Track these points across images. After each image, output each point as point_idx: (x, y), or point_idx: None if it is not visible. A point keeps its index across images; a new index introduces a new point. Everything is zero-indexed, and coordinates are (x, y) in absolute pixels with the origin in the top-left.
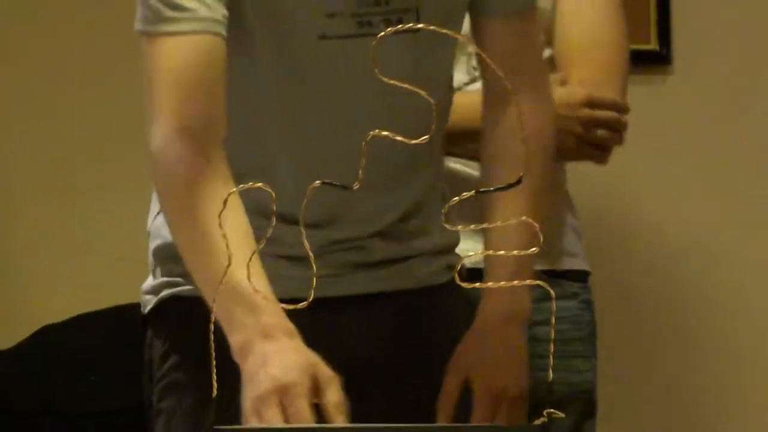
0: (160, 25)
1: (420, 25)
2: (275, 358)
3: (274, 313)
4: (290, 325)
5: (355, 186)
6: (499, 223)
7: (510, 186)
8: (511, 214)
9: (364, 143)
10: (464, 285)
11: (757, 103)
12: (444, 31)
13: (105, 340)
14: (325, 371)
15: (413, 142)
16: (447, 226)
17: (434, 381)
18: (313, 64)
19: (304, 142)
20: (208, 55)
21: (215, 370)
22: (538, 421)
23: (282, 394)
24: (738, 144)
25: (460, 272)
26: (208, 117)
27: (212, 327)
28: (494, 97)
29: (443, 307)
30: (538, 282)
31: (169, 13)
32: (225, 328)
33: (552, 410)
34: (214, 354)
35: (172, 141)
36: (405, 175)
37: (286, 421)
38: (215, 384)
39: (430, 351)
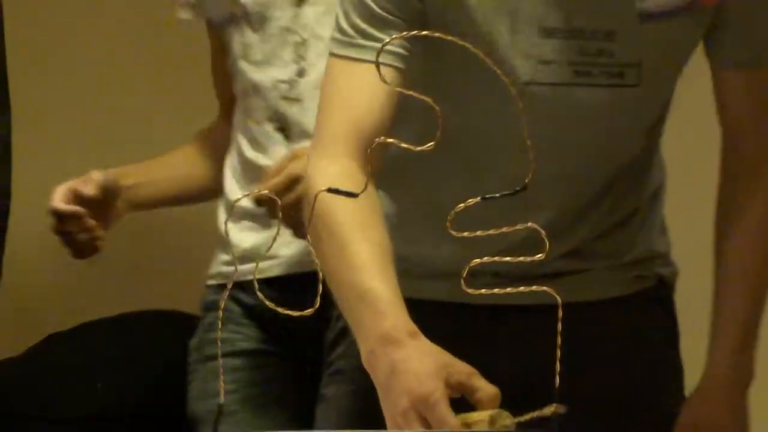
0: (348, 49)
1: (425, 32)
2: (404, 368)
3: (395, 317)
4: (412, 326)
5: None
6: (504, 229)
7: (516, 192)
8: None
9: (369, 150)
10: (470, 291)
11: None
12: (449, 38)
13: (115, 346)
14: (461, 367)
15: (418, 149)
16: (453, 233)
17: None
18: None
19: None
20: (388, 87)
21: None
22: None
23: (420, 405)
24: None
25: (465, 279)
26: (372, 148)
27: (219, 335)
28: (740, 164)
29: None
30: (544, 288)
31: (358, 40)
32: (355, 336)
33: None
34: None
35: (335, 164)
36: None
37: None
38: (222, 392)
39: (602, 367)
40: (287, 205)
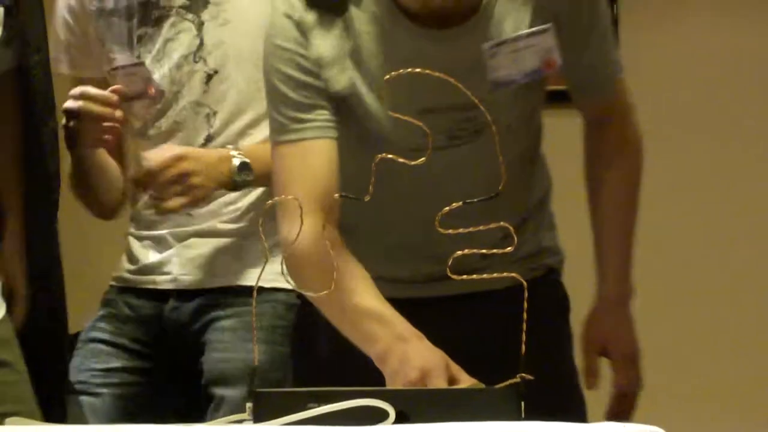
0: (289, 135)
1: (418, 70)
2: (416, 355)
3: (402, 323)
4: (416, 330)
5: (366, 198)
6: (481, 227)
7: (491, 197)
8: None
9: (373, 164)
10: (455, 277)
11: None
12: (438, 75)
13: None
14: (454, 364)
15: (413, 163)
16: (440, 230)
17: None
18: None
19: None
20: (329, 153)
21: None
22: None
23: (426, 377)
24: None
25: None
26: (330, 204)
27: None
28: (591, 127)
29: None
30: (513, 274)
31: (294, 125)
32: (362, 344)
33: (524, 374)
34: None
35: (312, 232)
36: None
37: None
38: (256, 355)
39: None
40: (168, 180)
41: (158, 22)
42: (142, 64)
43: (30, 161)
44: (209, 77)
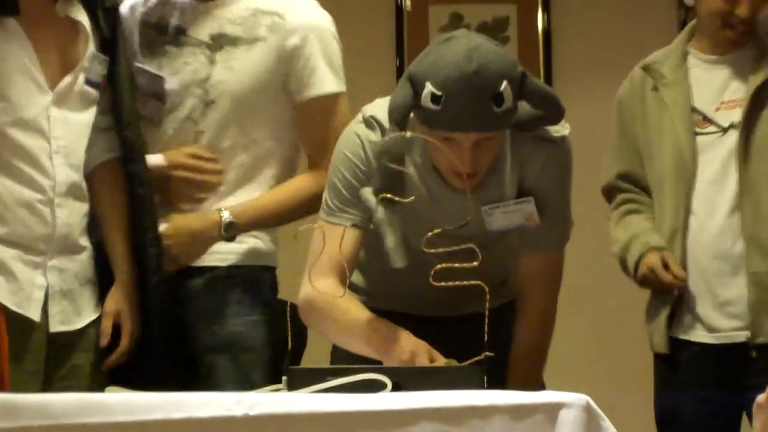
0: (332, 218)
1: (409, 133)
2: (405, 343)
3: (392, 325)
4: (405, 330)
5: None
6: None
7: (462, 226)
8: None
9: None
10: (434, 283)
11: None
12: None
13: None
14: (433, 350)
15: (407, 200)
16: (425, 248)
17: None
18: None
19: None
20: (354, 240)
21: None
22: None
23: (414, 358)
24: None
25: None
26: (343, 273)
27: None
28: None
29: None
30: (477, 282)
31: (338, 213)
32: (373, 352)
33: (487, 353)
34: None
35: (325, 287)
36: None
37: None
38: (290, 340)
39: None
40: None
41: (183, 46)
42: (162, 78)
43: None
44: (206, 104)
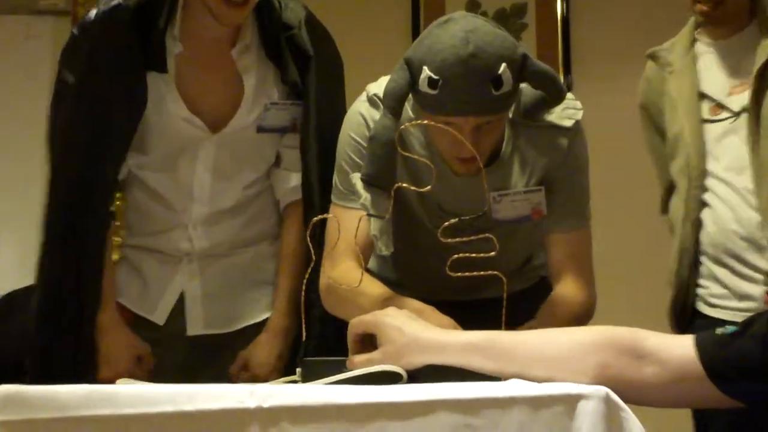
0: (345, 202)
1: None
2: (431, 320)
3: (415, 301)
4: (430, 306)
5: (387, 216)
6: (472, 237)
7: (480, 215)
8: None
9: (392, 191)
10: (451, 274)
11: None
12: (428, 123)
13: None
14: (459, 328)
15: (422, 190)
16: (441, 238)
17: None
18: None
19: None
20: (367, 222)
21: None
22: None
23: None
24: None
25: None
26: (358, 256)
27: (303, 295)
28: (553, 281)
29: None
30: (496, 272)
31: (351, 196)
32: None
33: None
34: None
35: (343, 264)
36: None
37: None
38: (304, 331)
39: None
40: None
41: None
42: None
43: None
44: None
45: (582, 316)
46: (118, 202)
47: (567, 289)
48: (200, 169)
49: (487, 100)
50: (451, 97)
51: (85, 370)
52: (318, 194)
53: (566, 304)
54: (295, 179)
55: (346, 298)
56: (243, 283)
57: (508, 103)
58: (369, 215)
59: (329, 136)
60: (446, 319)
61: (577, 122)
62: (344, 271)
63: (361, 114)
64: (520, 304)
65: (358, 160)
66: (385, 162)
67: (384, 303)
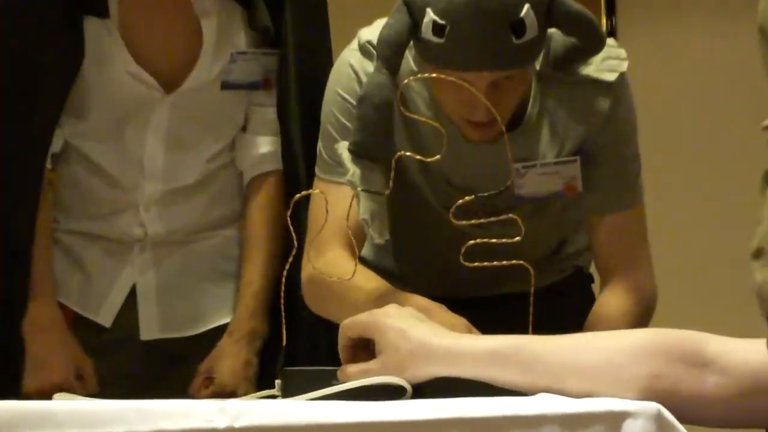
0: (331, 175)
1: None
2: (439, 320)
3: (421, 297)
4: (439, 303)
5: (386, 191)
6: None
7: (500, 192)
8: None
9: (393, 161)
10: (467, 264)
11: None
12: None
13: None
14: (476, 330)
15: (429, 160)
16: (454, 221)
17: None
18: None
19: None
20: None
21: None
22: None
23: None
24: None
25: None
26: (352, 242)
27: (282, 297)
28: (602, 275)
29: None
30: (520, 262)
31: (338, 169)
32: None
33: None
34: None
35: (330, 252)
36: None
37: None
38: (284, 334)
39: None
40: None
41: None
42: None
43: None
44: None
45: (638, 322)
46: (51, 179)
47: (618, 291)
48: (152, 138)
49: (506, 51)
50: (461, 47)
51: (7, 380)
52: (303, 166)
53: (619, 309)
54: (264, 145)
55: (334, 293)
56: (207, 276)
57: (533, 53)
58: (359, 193)
59: (314, 94)
60: (459, 320)
61: (622, 76)
62: (332, 261)
63: (351, 65)
64: (550, 301)
65: (347, 123)
66: (378, 128)
67: (382, 299)
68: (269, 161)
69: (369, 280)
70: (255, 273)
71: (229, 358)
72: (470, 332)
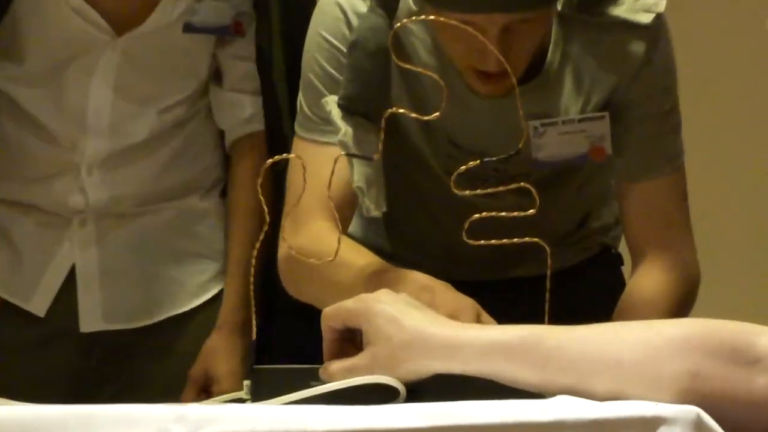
0: (314, 134)
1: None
2: (443, 300)
3: (424, 276)
4: (445, 282)
5: (376, 156)
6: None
7: (510, 156)
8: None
9: (383, 120)
10: (471, 242)
11: None
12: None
13: None
14: (486, 314)
15: (427, 118)
16: (455, 190)
17: None
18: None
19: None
20: (346, 162)
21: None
22: None
23: (454, 317)
24: None
25: None
26: (344, 213)
27: (251, 281)
28: (635, 253)
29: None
30: (535, 239)
31: (323, 126)
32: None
33: None
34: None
35: (312, 226)
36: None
37: None
38: (255, 328)
39: None
40: None
41: None
42: None
43: None
44: None
45: (681, 305)
46: None
47: (655, 272)
48: (97, 87)
49: None
50: None
51: None
52: (290, 125)
53: (657, 292)
54: (249, 105)
55: (317, 273)
56: (162, 256)
57: None
58: (350, 156)
59: (301, 40)
60: (466, 301)
61: (659, 17)
62: (314, 236)
63: (338, 3)
64: (571, 285)
65: (334, 72)
66: (373, 79)
67: (375, 278)
68: (253, 122)
69: (357, 256)
70: (244, 251)
71: (225, 358)
72: (479, 317)
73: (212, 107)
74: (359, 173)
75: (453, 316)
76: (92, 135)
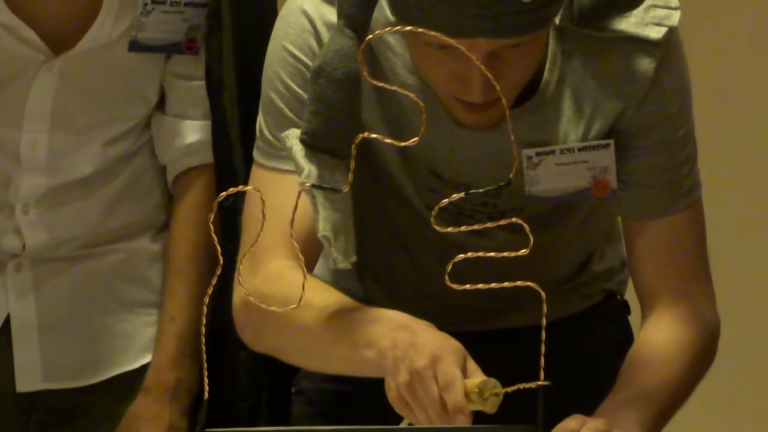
0: (274, 161)
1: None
2: (424, 341)
3: (403, 315)
4: (426, 322)
5: (345, 188)
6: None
7: (500, 186)
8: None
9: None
10: (455, 287)
11: None
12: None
13: None
14: (471, 360)
15: (403, 144)
16: (436, 227)
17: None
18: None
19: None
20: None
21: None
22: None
23: (437, 364)
24: None
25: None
26: (308, 250)
27: (203, 332)
28: (645, 302)
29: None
30: (528, 284)
31: (284, 152)
32: (354, 355)
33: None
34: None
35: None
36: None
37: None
38: (207, 387)
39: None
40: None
41: None
42: None
43: None
44: None
45: (699, 362)
46: None
47: (669, 322)
48: (32, 115)
49: (509, 12)
50: (448, 5)
51: None
52: (242, 157)
53: (674, 343)
54: (193, 132)
55: (276, 318)
56: (108, 305)
57: (547, 14)
58: (314, 191)
59: (258, 59)
60: (450, 343)
61: (671, 31)
62: (275, 275)
63: (305, 12)
64: (572, 337)
65: (299, 91)
66: (341, 112)
67: (343, 318)
68: (199, 152)
69: (325, 295)
70: (179, 305)
71: (150, 427)
72: (464, 360)
73: (153, 136)
74: (325, 220)
75: (436, 358)
76: (27, 170)
